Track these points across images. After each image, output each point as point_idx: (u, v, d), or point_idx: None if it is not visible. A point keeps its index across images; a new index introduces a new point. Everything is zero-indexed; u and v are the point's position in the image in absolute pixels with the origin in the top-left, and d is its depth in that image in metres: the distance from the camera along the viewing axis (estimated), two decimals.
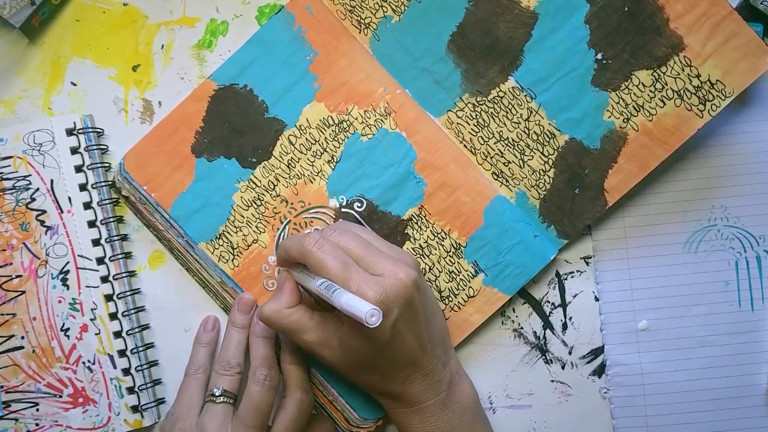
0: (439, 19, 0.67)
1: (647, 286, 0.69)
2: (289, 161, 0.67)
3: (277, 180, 0.67)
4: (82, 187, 0.68)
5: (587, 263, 0.70)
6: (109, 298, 0.68)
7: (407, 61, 0.67)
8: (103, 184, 0.69)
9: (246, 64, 0.67)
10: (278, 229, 0.67)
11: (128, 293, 0.68)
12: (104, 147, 0.69)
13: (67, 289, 0.67)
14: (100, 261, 0.68)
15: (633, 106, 0.67)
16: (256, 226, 0.68)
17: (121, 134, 0.69)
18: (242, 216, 0.67)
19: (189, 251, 0.68)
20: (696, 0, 0.66)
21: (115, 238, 0.68)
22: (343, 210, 0.67)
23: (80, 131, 0.68)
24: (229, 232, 0.68)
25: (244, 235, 0.67)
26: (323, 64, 0.67)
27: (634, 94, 0.67)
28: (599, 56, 0.67)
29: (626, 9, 0.66)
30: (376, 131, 0.67)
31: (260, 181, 0.67)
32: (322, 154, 0.67)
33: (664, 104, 0.66)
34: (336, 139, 0.67)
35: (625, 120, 0.67)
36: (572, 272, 0.70)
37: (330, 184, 0.67)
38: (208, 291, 0.69)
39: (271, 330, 0.65)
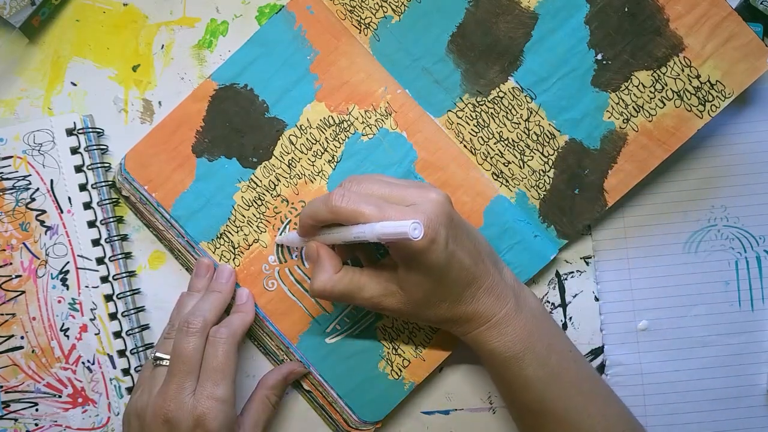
0: (439, 19, 0.66)
1: (647, 286, 0.69)
2: (290, 161, 0.67)
3: (278, 180, 0.67)
4: (82, 187, 0.67)
5: (587, 263, 0.70)
6: (108, 298, 0.67)
7: (407, 61, 0.67)
8: (103, 184, 0.68)
9: (246, 63, 0.66)
10: (279, 228, 0.67)
11: (128, 293, 0.68)
12: (104, 147, 0.69)
13: (67, 289, 0.67)
14: (100, 261, 0.67)
15: (633, 107, 0.66)
16: (257, 226, 0.67)
17: (121, 134, 0.69)
18: (243, 216, 0.67)
19: (190, 251, 0.68)
20: (696, 1, 0.65)
21: (115, 238, 0.68)
22: None
23: (80, 131, 0.68)
24: (230, 232, 0.67)
25: (245, 234, 0.67)
26: (324, 63, 0.66)
27: (634, 94, 0.66)
28: (599, 57, 0.66)
29: (626, 9, 0.66)
30: (377, 131, 0.67)
31: (261, 180, 0.67)
32: (322, 153, 0.67)
33: (664, 105, 0.66)
34: (336, 138, 0.67)
35: (625, 120, 0.66)
36: (572, 272, 0.70)
37: (330, 184, 0.67)
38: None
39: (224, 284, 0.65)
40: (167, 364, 0.61)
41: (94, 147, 0.68)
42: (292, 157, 0.67)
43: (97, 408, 0.67)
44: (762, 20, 0.67)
